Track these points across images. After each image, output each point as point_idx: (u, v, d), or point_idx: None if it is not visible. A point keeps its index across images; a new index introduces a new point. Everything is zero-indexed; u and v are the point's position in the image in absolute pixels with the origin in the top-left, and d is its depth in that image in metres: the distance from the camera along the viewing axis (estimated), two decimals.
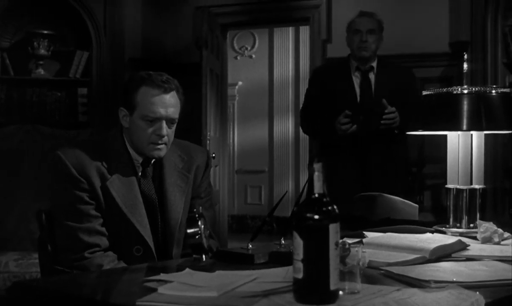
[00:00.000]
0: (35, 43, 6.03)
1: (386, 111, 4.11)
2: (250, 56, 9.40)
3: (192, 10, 6.64)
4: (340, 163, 4.22)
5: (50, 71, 6.23)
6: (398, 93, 4.21)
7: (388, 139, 4.19)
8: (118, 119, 2.51)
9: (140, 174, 2.51)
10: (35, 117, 6.02)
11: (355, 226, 2.54)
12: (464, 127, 2.45)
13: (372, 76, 4.38)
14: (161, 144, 2.45)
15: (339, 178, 4.02)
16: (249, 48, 9.40)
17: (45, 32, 6.07)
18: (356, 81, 4.37)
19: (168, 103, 2.43)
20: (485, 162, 2.57)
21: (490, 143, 3.50)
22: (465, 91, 2.46)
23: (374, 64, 4.40)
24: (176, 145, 2.59)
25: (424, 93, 2.61)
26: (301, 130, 8.98)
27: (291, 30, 9.10)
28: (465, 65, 2.60)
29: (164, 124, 2.43)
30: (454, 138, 2.54)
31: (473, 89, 2.47)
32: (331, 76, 4.44)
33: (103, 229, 2.41)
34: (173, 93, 2.45)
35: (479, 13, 5.23)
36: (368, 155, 4.23)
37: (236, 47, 9.40)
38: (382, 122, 4.12)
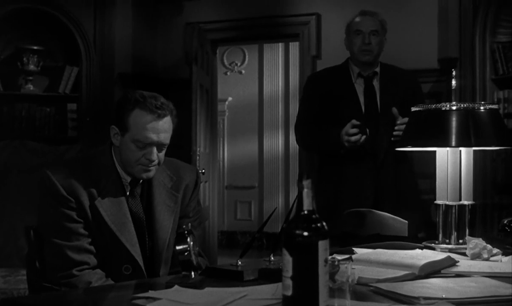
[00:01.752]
0: (24, 59, 6.01)
1: (398, 122, 3.66)
2: (240, 72, 9.42)
3: (182, 26, 6.66)
4: (349, 178, 3.81)
5: (40, 87, 6.21)
6: (405, 102, 3.63)
7: (400, 151, 3.57)
8: (108, 136, 2.50)
9: (128, 193, 2.50)
10: (24, 133, 6.00)
11: (345, 242, 2.54)
12: (453, 143, 2.45)
13: (376, 83, 3.91)
14: (151, 167, 2.44)
15: (346, 195, 3.75)
16: (239, 64, 9.42)
17: (35, 47, 6.06)
18: (359, 89, 3.89)
19: (161, 129, 2.41)
20: (474, 178, 2.57)
21: (479, 159, 3.45)
22: (454, 108, 2.47)
23: (378, 69, 3.95)
24: (165, 164, 2.56)
25: (413, 109, 2.61)
26: (292, 145, 9.12)
27: (281, 46, 9.13)
28: (454, 82, 2.62)
29: (155, 149, 2.41)
30: (443, 154, 2.55)
31: (462, 105, 2.48)
32: (329, 84, 3.94)
33: (92, 248, 2.40)
34: (167, 119, 2.42)
35: (468, 30, 5.27)
36: (381, 170, 3.80)
37: (226, 63, 9.42)
38: (394, 133, 3.66)
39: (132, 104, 2.40)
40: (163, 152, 2.47)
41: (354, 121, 3.62)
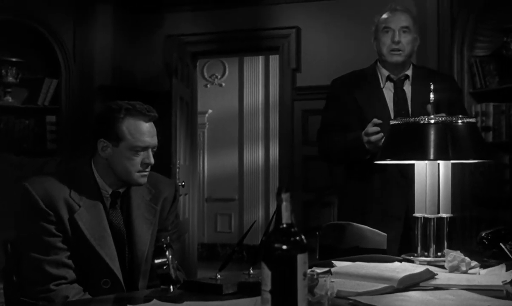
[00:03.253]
0: (3, 71, 5.98)
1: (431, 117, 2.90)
2: (220, 85, 9.43)
3: (162, 38, 6.66)
4: (375, 196, 3.29)
5: (18, 99, 6.17)
6: (442, 109, 3.11)
7: None
8: (88, 147, 2.49)
9: (108, 205, 2.49)
10: (2, 145, 5.95)
11: (324, 255, 2.54)
12: (431, 156, 2.47)
13: (408, 87, 3.41)
14: (147, 171, 2.47)
15: (373, 215, 3.23)
16: (219, 77, 9.43)
17: (14, 59, 6.03)
18: (388, 94, 3.40)
19: (153, 132, 2.46)
20: (452, 191, 2.59)
21: (457, 172, 3.36)
22: (432, 121, 2.49)
23: (410, 72, 3.44)
24: None
25: (391, 122, 2.63)
26: (272, 157, 9.11)
27: (261, 59, 9.16)
28: (432, 95, 2.63)
29: (151, 152, 2.46)
30: (421, 167, 2.56)
31: (440, 118, 2.51)
32: (355, 89, 3.43)
33: (70, 262, 2.38)
34: (152, 123, 2.48)
35: (446, 43, 5.32)
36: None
37: (206, 75, 9.43)
38: None
39: (123, 113, 2.42)
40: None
41: (375, 120, 3.14)
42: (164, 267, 2.05)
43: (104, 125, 2.44)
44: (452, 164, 2.59)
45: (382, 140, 3.05)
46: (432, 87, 2.92)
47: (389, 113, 3.31)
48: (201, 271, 6.93)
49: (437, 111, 2.90)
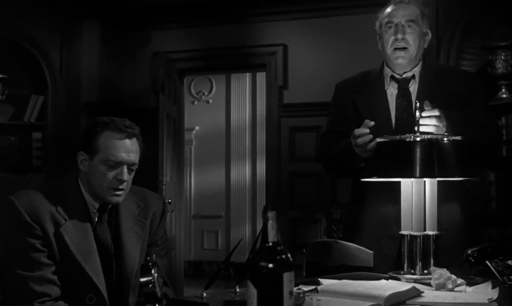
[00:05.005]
0: None
1: (423, 113, 2.68)
2: (207, 101, 9.44)
3: (149, 55, 6.67)
4: (376, 210, 2.97)
5: (4, 115, 6.15)
6: (453, 105, 2.86)
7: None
8: (74, 164, 2.49)
9: (96, 220, 2.48)
10: None
11: (311, 273, 2.53)
12: (417, 174, 2.48)
13: (413, 87, 3.03)
14: (121, 189, 2.44)
15: (376, 229, 2.95)
16: (206, 93, 9.44)
17: (0, 75, 6.00)
18: (391, 96, 3.04)
19: (130, 148, 2.44)
20: (438, 209, 2.59)
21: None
22: (418, 138, 2.50)
23: (417, 70, 3.05)
24: (132, 192, 2.57)
25: (378, 140, 2.63)
26: (259, 174, 9.11)
27: (248, 76, 9.18)
28: (418, 113, 2.63)
29: (125, 169, 2.43)
30: (407, 185, 2.57)
31: (426, 136, 2.51)
32: (358, 91, 3.10)
33: (55, 278, 2.37)
34: (135, 140, 2.46)
35: (432, 56, 5.34)
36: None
37: (193, 92, 9.43)
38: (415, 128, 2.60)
39: (101, 126, 2.43)
40: (132, 175, 2.48)
41: (367, 121, 2.80)
42: (150, 285, 2.04)
43: (84, 138, 2.46)
44: (438, 181, 2.60)
45: (373, 143, 2.74)
46: (438, 82, 2.86)
47: (390, 117, 2.99)
48: (188, 289, 6.90)
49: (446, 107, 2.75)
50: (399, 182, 2.59)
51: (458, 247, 2.78)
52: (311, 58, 6.29)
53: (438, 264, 2.44)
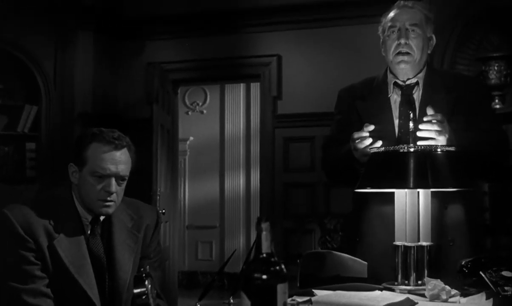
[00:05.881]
0: None
1: (424, 118, 2.66)
2: (202, 112, 9.44)
3: (143, 65, 6.67)
4: (376, 221, 2.88)
5: None
6: (457, 118, 2.79)
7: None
8: (67, 175, 2.48)
9: (89, 232, 2.47)
10: None
11: (305, 284, 2.52)
12: (411, 184, 2.48)
13: (417, 94, 2.94)
14: (110, 201, 2.42)
15: (374, 240, 2.86)
16: (200, 104, 9.45)
17: None
18: (395, 104, 2.94)
19: (119, 160, 2.42)
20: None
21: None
22: (412, 149, 2.50)
23: (421, 76, 2.95)
24: (125, 204, 2.56)
25: (372, 150, 2.63)
26: (253, 185, 9.09)
27: (242, 86, 9.19)
28: (411, 124, 2.64)
29: (113, 181, 2.41)
30: (401, 196, 2.57)
31: (419, 147, 2.51)
32: (357, 99, 3.03)
33: (48, 291, 2.36)
34: (124, 150, 2.44)
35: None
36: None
37: (188, 103, 9.43)
38: (418, 133, 2.67)
39: (89, 138, 2.42)
40: (122, 186, 2.46)
41: (367, 125, 2.74)
42: (143, 297, 2.04)
43: (74, 150, 2.45)
44: (432, 192, 2.60)
45: (374, 146, 2.68)
46: (444, 88, 2.76)
47: (393, 125, 2.90)
48: (182, 299, 6.88)
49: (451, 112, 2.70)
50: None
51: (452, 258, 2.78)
52: (305, 69, 6.30)
53: (432, 275, 2.44)
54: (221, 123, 9.35)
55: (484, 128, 2.88)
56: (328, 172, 3.17)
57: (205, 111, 9.43)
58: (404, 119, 2.87)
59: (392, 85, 2.96)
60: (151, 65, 6.48)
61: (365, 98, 3.01)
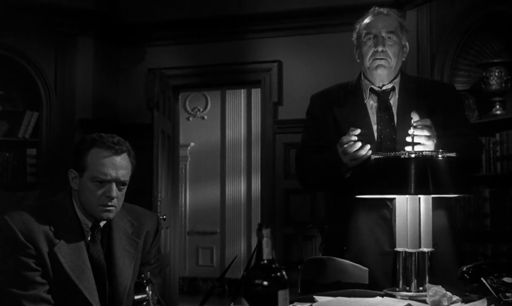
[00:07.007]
0: None
1: (413, 122, 2.61)
2: (202, 117, 9.45)
3: (144, 71, 6.68)
4: (358, 229, 2.89)
5: None
6: (435, 123, 2.69)
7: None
8: (67, 181, 2.48)
9: (89, 238, 2.47)
10: None
11: (306, 290, 2.52)
12: (412, 190, 2.47)
13: (394, 100, 2.95)
14: (111, 206, 2.42)
15: (356, 249, 2.87)
16: (201, 110, 9.45)
17: None
18: (372, 109, 2.95)
19: (119, 165, 2.42)
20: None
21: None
22: (412, 155, 2.50)
23: (397, 81, 2.98)
24: (126, 210, 2.56)
25: (373, 156, 2.63)
26: (254, 191, 9.11)
27: (243, 92, 9.20)
28: (412, 130, 2.64)
29: (114, 186, 2.41)
30: (402, 202, 2.57)
31: (420, 153, 2.51)
32: (336, 104, 3.01)
33: (49, 297, 2.36)
34: (124, 155, 2.44)
35: (425, 73, 5.35)
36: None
37: (189, 108, 9.44)
38: (407, 138, 2.57)
39: (89, 143, 2.42)
40: (123, 191, 2.46)
41: (353, 129, 2.72)
42: (144, 303, 2.03)
43: (74, 156, 2.45)
44: (433, 198, 2.60)
45: (362, 151, 2.71)
46: (420, 93, 2.79)
47: (372, 130, 2.90)
48: (182, 305, 6.87)
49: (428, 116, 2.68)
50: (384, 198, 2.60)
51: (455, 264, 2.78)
52: (305, 75, 6.31)
53: (433, 281, 2.44)
54: (222, 129, 9.36)
55: (463, 133, 2.91)
56: (306, 179, 3.15)
57: (206, 117, 9.44)
58: (383, 124, 2.91)
59: (368, 90, 2.98)
60: (152, 71, 6.48)
61: (341, 104, 3.01)
